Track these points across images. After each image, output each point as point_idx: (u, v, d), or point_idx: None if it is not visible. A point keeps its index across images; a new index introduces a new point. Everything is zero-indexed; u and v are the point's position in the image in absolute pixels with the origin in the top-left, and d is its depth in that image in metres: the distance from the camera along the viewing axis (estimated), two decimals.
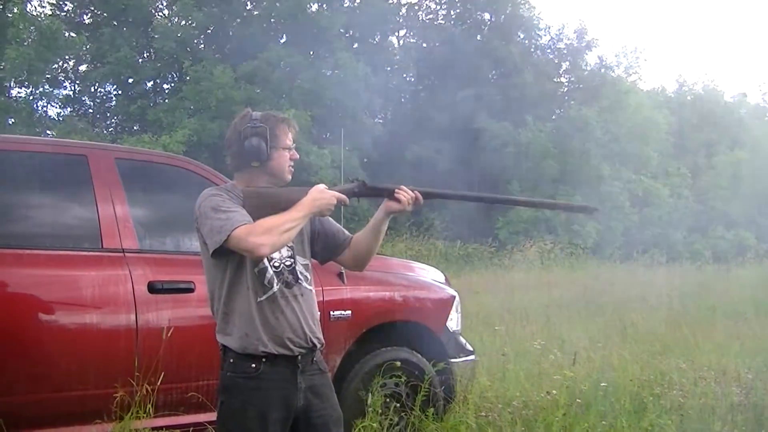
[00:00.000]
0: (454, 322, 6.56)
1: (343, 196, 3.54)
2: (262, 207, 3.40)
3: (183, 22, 33.23)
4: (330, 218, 3.80)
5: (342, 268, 5.71)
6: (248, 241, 3.24)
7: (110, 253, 5.16)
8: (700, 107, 46.80)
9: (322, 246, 3.77)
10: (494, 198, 3.51)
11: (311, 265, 3.71)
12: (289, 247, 3.58)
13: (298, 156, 3.64)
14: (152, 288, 5.14)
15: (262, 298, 3.44)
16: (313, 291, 3.66)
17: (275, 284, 3.48)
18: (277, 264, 3.51)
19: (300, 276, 3.58)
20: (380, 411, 5.78)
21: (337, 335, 5.69)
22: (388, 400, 5.90)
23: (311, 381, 3.54)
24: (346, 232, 3.83)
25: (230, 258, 3.42)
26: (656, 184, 35.69)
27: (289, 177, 3.62)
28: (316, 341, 3.55)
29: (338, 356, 5.83)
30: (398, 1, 37.81)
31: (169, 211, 5.80)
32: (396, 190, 3.60)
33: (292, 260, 3.58)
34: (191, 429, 5.14)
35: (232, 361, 3.43)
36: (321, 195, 3.45)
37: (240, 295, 3.44)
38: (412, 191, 3.61)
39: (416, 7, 38.23)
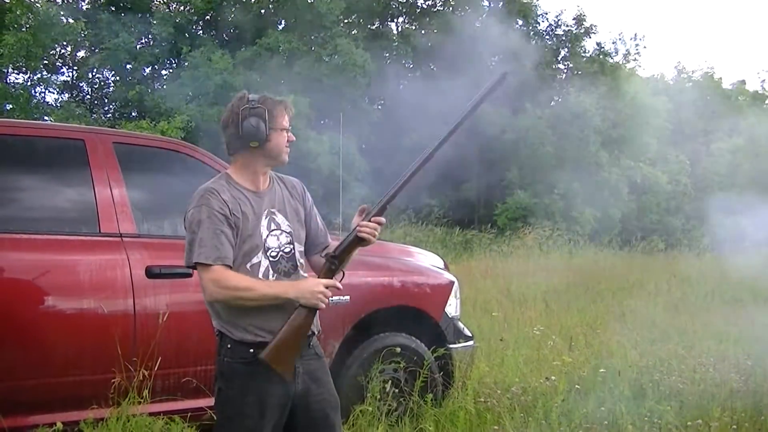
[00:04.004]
0: (452, 307, 6.54)
1: (329, 292, 3.45)
2: None
3: (181, 8, 33.14)
4: (318, 215, 3.79)
5: None
6: (209, 286, 3.33)
7: (108, 237, 5.14)
8: (699, 94, 46.76)
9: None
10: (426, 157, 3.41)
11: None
12: (288, 233, 3.56)
13: (294, 138, 3.61)
14: (150, 273, 5.13)
15: None
16: (308, 277, 3.63)
17: (271, 276, 3.47)
18: (274, 254, 3.49)
19: (298, 263, 3.57)
20: (379, 396, 5.78)
21: (335, 321, 5.67)
22: (386, 385, 5.89)
23: (308, 366, 3.53)
24: (328, 237, 3.80)
25: None
26: (655, 171, 35.66)
27: (286, 159, 3.58)
28: (314, 328, 3.54)
29: (337, 342, 5.82)
30: None
31: (167, 195, 5.77)
32: (359, 233, 3.53)
33: (291, 246, 3.56)
34: (188, 414, 5.13)
35: (229, 346, 3.41)
36: (311, 294, 3.40)
37: None
38: (370, 219, 3.54)
39: None
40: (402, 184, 3.58)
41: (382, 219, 3.56)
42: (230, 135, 3.51)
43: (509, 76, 3.65)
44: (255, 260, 3.44)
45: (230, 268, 3.36)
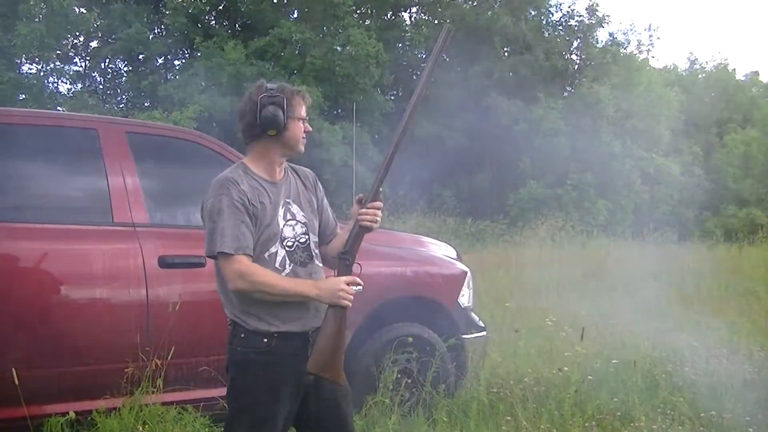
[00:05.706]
0: (465, 297, 6.53)
1: (352, 290, 3.45)
2: None
3: None
4: (329, 206, 3.80)
5: None
6: (233, 277, 3.32)
7: (121, 227, 5.15)
8: (712, 85, 46.63)
9: None
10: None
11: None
12: (303, 223, 3.56)
13: (311, 129, 3.61)
14: (163, 262, 5.14)
15: None
16: (322, 268, 3.64)
17: (288, 266, 3.46)
18: (290, 243, 3.49)
19: (313, 254, 3.56)
20: (391, 387, 5.77)
21: (348, 310, 5.66)
22: (399, 375, 5.88)
23: None
24: (337, 228, 3.79)
25: None
26: (667, 162, 35.52)
27: (303, 149, 3.57)
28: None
29: (349, 332, 5.80)
30: None
31: (180, 185, 5.78)
32: (361, 223, 3.53)
33: (307, 237, 3.56)
34: (201, 404, 5.14)
35: (243, 336, 3.41)
36: (332, 293, 3.41)
37: None
38: (369, 206, 3.54)
39: None
40: (388, 162, 3.57)
41: (379, 203, 3.56)
42: (247, 123, 3.50)
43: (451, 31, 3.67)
44: (272, 250, 3.44)
45: (251, 257, 3.36)
